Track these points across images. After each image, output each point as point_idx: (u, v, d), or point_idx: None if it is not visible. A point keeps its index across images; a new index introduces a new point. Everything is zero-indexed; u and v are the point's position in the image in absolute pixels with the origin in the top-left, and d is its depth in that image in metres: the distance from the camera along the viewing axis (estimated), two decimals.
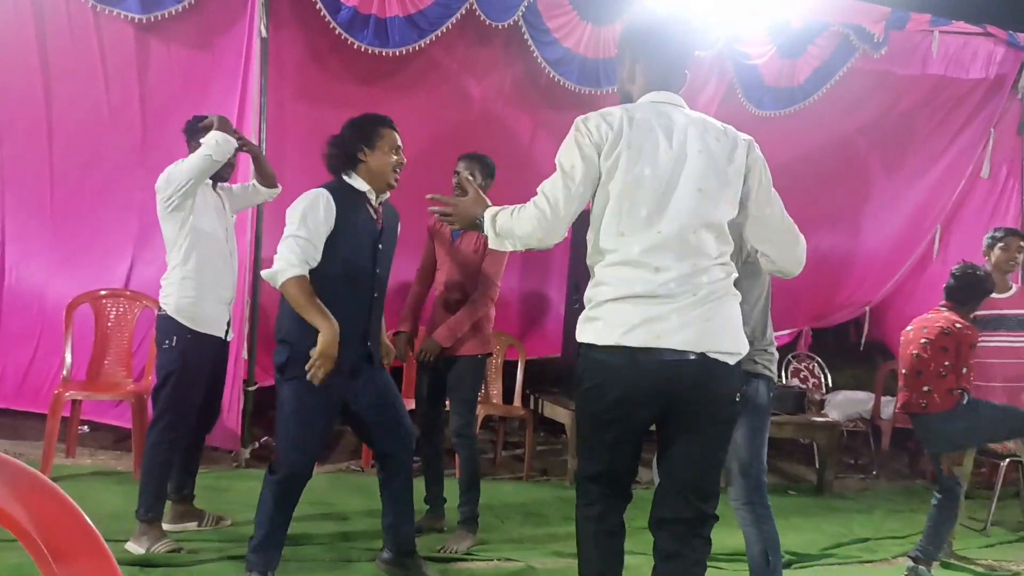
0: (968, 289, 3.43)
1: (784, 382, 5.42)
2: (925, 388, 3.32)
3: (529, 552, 3.31)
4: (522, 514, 3.80)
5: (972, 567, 3.58)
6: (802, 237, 2.09)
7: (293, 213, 2.60)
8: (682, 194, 1.88)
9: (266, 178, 3.39)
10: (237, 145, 3.08)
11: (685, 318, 1.84)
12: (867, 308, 5.92)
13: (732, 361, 1.92)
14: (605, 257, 1.91)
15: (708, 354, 1.86)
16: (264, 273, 2.63)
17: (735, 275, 1.98)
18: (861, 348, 6.05)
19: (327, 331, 2.50)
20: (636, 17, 2.20)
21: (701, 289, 1.86)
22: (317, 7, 4.24)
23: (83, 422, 4.39)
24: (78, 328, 4.13)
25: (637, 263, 1.86)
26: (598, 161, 1.89)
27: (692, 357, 1.85)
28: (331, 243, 2.61)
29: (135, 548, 2.97)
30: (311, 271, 2.58)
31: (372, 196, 2.73)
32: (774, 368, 2.69)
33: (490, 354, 3.56)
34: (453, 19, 4.41)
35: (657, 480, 2.15)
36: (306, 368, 2.51)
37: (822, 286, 5.71)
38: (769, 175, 2.02)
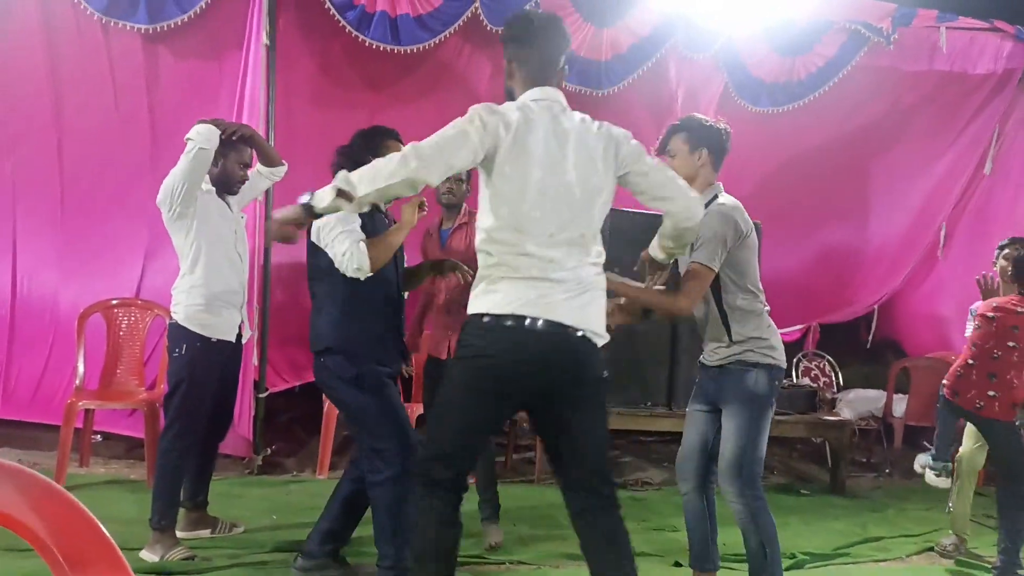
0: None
1: (795, 381, 5.40)
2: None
3: (540, 555, 3.32)
4: (533, 517, 3.80)
5: (987, 564, 3.55)
6: (692, 191, 2.29)
7: (327, 224, 2.58)
8: (570, 197, 2.08)
9: (269, 159, 3.35)
10: (220, 131, 3.02)
11: (572, 302, 2.06)
12: (875, 306, 5.89)
13: (600, 343, 2.13)
14: (502, 246, 2.07)
15: (587, 334, 2.07)
16: (350, 272, 2.56)
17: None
18: (868, 346, 6.03)
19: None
20: (512, 17, 2.26)
21: (584, 281, 2.09)
22: (326, 6, 4.28)
23: (95, 432, 4.42)
24: (90, 338, 4.16)
25: (532, 255, 2.05)
26: (481, 154, 2.03)
27: (579, 334, 2.06)
28: None
29: (149, 556, 2.98)
30: (341, 281, 2.59)
31: (382, 203, 2.74)
32: (776, 356, 2.65)
33: None
34: (460, 21, 4.44)
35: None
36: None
37: (828, 282, 5.71)
38: (647, 157, 2.20)
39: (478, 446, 2.20)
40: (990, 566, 3.47)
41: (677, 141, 2.70)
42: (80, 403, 3.89)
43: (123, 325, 4.26)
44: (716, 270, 2.57)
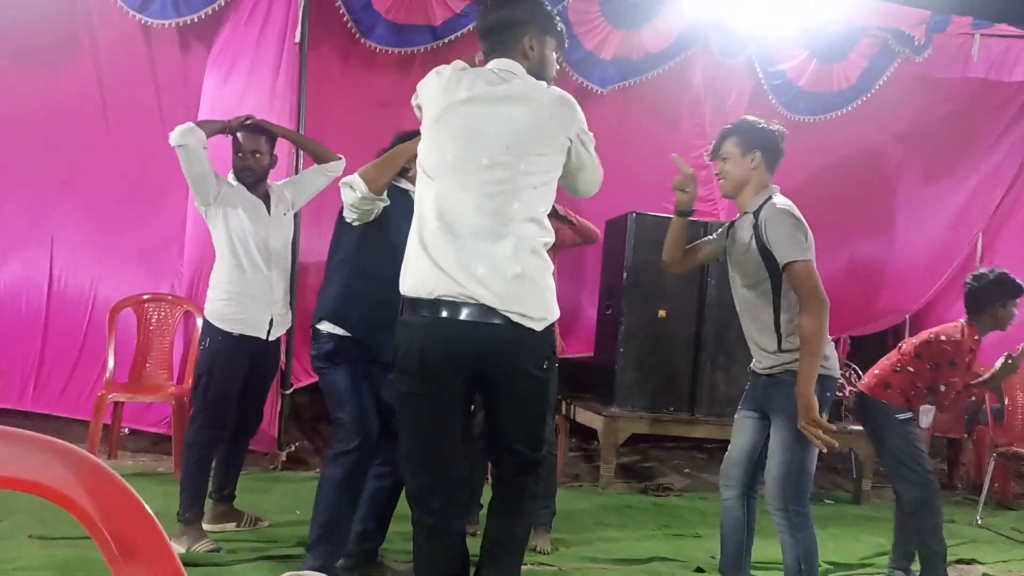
0: (971, 297, 3.19)
1: None
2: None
3: (562, 557, 3.31)
4: (556, 520, 3.79)
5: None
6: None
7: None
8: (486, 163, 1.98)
9: (315, 155, 3.43)
10: (207, 130, 3.10)
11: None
12: (907, 316, 5.83)
13: (538, 327, 2.01)
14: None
15: (514, 317, 1.95)
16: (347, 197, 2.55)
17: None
18: None
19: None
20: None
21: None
22: (340, 12, 4.37)
23: (123, 426, 4.48)
24: (121, 332, 4.23)
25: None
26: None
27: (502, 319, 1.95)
28: (395, 236, 2.49)
29: (175, 547, 3.01)
30: (352, 258, 2.61)
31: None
32: (829, 365, 2.52)
33: None
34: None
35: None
36: None
37: (859, 293, 5.63)
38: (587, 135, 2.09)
39: (448, 460, 2.03)
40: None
41: (729, 145, 2.64)
42: (110, 396, 3.96)
43: (153, 320, 4.33)
44: (813, 259, 2.47)
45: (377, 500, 2.80)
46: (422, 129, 2.11)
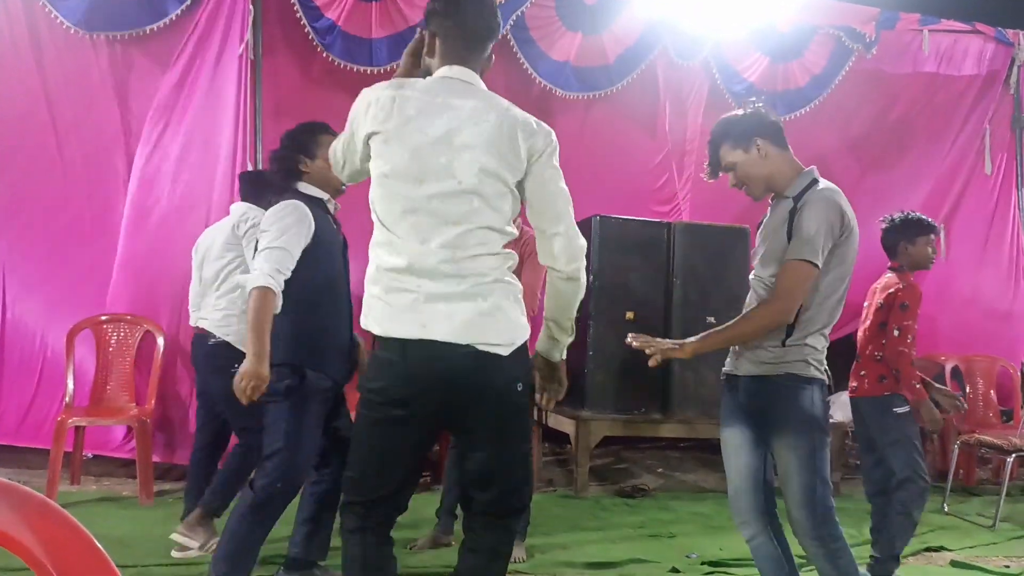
0: (883, 241, 3.21)
1: None
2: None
3: (537, 564, 3.30)
4: (530, 526, 3.77)
5: (982, 564, 3.56)
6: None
7: (270, 224, 2.44)
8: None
9: None
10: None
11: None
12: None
13: (503, 353, 1.82)
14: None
15: (478, 346, 1.79)
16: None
17: None
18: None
19: (259, 355, 2.29)
20: None
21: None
22: (302, 23, 4.34)
23: (85, 452, 4.37)
24: (80, 356, 4.13)
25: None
26: (362, 137, 1.84)
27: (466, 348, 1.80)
28: (310, 255, 2.45)
29: (187, 539, 3.07)
30: (295, 287, 2.41)
31: (330, 204, 2.64)
32: (826, 371, 2.30)
33: None
34: None
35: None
36: (236, 384, 2.29)
37: None
38: (553, 161, 1.87)
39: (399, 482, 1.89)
40: (987, 567, 3.47)
41: (725, 152, 2.31)
42: (70, 420, 3.85)
43: (113, 341, 4.23)
44: (820, 267, 2.16)
45: (318, 515, 2.72)
46: None
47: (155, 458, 4.07)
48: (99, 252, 4.39)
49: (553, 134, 1.88)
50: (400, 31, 4.49)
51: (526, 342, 1.86)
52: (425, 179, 1.77)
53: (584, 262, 1.91)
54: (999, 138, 5.65)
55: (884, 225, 3.27)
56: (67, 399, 4.04)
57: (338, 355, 2.58)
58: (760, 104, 2.37)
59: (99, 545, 0.90)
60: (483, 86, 1.89)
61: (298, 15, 4.43)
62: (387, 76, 4.38)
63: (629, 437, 4.93)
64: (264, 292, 2.32)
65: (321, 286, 2.53)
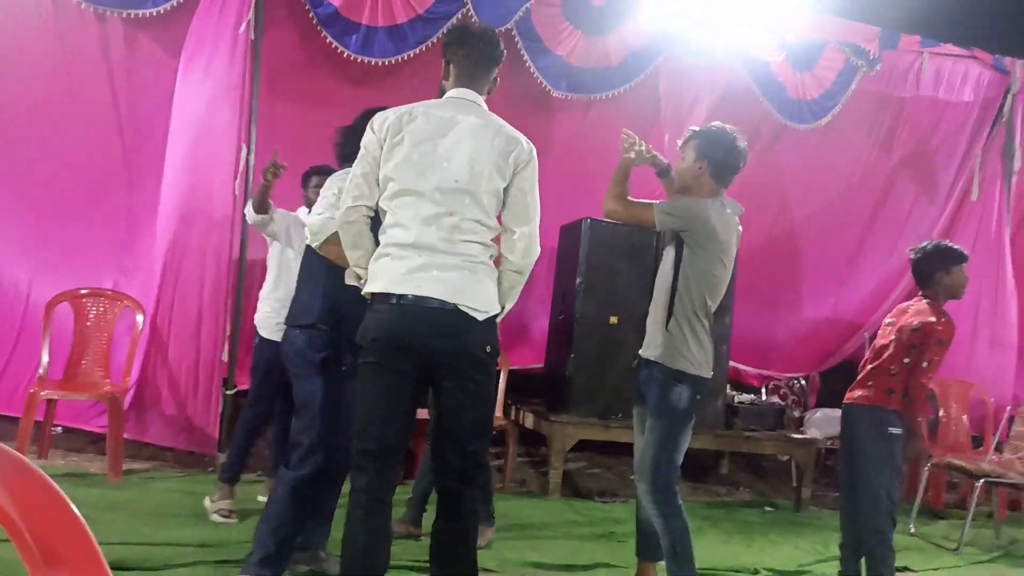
0: (915, 270, 3.17)
1: (764, 399, 5.45)
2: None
3: (508, 564, 3.29)
4: (501, 526, 3.77)
5: None
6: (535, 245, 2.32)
7: (329, 192, 2.56)
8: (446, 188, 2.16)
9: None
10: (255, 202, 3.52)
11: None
12: (865, 335, 5.48)
13: (480, 317, 2.18)
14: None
15: (460, 307, 2.16)
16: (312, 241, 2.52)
17: None
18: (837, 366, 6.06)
19: None
20: (454, 27, 2.52)
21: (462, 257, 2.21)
22: (306, 8, 4.29)
23: (55, 425, 4.32)
24: (58, 329, 4.07)
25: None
26: (379, 155, 2.19)
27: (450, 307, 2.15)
28: None
29: (209, 505, 3.50)
30: (331, 266, 2.47)
31: None
32: (704, 371, 2.69)
33: None
34: (453, 20, 4.44)
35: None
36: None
37: (823, 328, 5.62)
38: (532, 175, 2.25)
39: (396, 430, 2.18)
40: None
41: (688, 147, 2.76)
42: (43, 393, 3.80)
43: (91, 315, 4.18)
44: (656, 223, 2.66)
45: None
46: None
47: (126, 435, 4.03)
48: (87, 226, 4.34)
49: (535, 150, 2.25)
50: (399, 23, 4.46)
51: (496, 315, 2.22)
52: (430, 174, 2.15)
53: (533, 262, 2.29)
54: (990, 166, 5.67)
55: (916, 255, 3.19)
56: (41, 371, 3.98)
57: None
58: (742, 147, 2.75)
59: (75, 509, 0.89)
60: (485, 107, 2.28)
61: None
62: (387, 68, 4.51)
63: (603, 442, 4.93)
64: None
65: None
